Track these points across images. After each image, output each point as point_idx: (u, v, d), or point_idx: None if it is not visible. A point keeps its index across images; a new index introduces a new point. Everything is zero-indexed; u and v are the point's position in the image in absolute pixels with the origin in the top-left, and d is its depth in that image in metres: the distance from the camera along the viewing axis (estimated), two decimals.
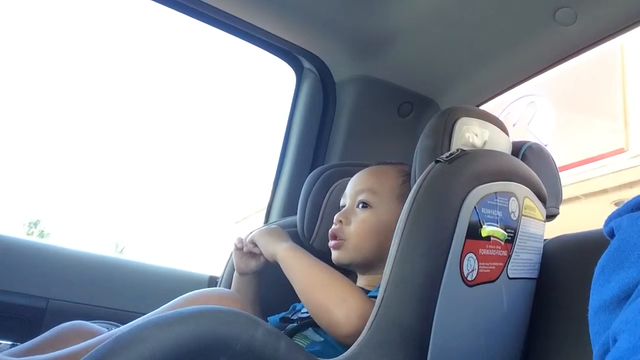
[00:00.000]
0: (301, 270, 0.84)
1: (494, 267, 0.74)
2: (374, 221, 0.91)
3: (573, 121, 3.97)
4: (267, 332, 0.57)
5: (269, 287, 1.03)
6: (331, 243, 0.93)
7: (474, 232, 0.71)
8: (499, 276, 0.74)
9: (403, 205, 0.81)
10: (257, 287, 1.03)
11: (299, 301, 0.95)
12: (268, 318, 0.95)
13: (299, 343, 0.80)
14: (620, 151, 3.71)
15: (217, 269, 1.26)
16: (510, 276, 0.76)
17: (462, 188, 0.72)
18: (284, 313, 0.94)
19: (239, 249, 1.01)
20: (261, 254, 0.96)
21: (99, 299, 1.20)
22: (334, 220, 0.95)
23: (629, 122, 3.67)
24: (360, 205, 0.93)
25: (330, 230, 0.94)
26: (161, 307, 0.77)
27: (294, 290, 0.93)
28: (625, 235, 0.33)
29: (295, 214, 1.13)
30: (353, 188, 0.97)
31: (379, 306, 0.66)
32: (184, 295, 0.77)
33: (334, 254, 0.93)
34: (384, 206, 0.92)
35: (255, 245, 0.97)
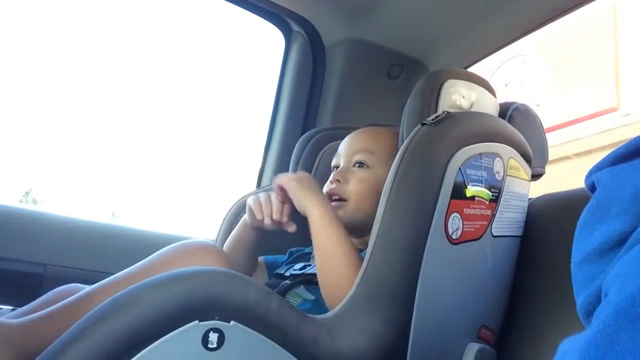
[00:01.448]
0: (328, 238, 0.81)
1: (478, 226, 0.76)
2: (373, 181, 0.91)
3: (565, 81, 3.97)
4: (259, 292, 0.59)
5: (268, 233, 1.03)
6: (333, 204, 0.93)
7: (458, 192, 0.73)
8: (483, 234, 0.77)
9: None
10: (257, 246, 0.98)
11: (294, 246, 0.98)
12: (263, 257, 0.98)
13: (291, 301, 0.83)
14: (612, 110, 3.72)
15: (211, 233, 1.27)
16: (495, 234, 0.79)
17: (447, 150, 0.73)
18: (280, 257, 0.96)
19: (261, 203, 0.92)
20: (290, 202, 0.89)
21: (96, 264, 1.22)
22: (330, 180, 0.95)
23: (620, 81, 3.67)
24: (357, 165, 0.94)
25: (327, 190, 0.94)
26: (142, 262, 0.76)
27: (279, 250, 0.99)
28: (606, 189, 0.34)
29: None
30: (348, 148, 0.97)
31: (367, 264, 0.69)
32: (165, 249, 0.77)
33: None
34: (382, 166, 0.92)
35: (284, 191, 0.89)
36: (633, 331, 0.23)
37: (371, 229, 0.91)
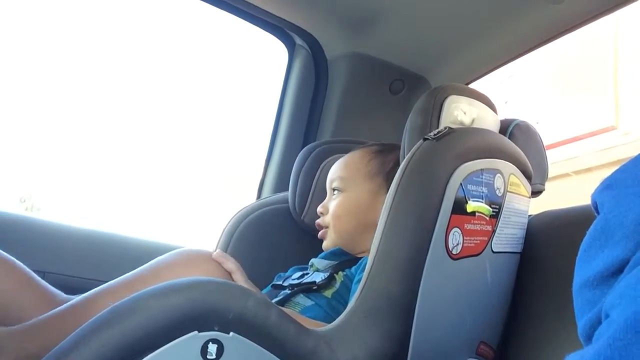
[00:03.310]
0: None
1: (478, 242, 0.76)
2: (345, 201, 0.97)
3: (564, 99, 3.99)
4: (258, 302, 0.59)
5: (254, 264, 1.06)
6: (319, 235, 1.01)
7: (459, 207, 0.73)
8: (483, 250, 0.77)
9: (372, 182, 0.95)
10: None
11: (284, 271, 1.00)
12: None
13: (291, 310, 0.83)
14: (611, 129, 3.74)
15: (210, 244, 1.27)
16: (494, 250, 0.79)
17: (449, 165, 0.74)
18: (272, 282, 0.97)
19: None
20: None
21: (95, 272, 1.22)
22: (317, 212, 1.02)
23: (620, 100, 3.69)
24: (334, 193, 1.00)
25: (315, 222, 1.02)
26: (143, 267, 0.77)
27: (278, 262, 1.01)
28: (610, 215, 0.34)
29: (287, 189, 1.15)
30: (327, 181, 1.04)
31: (367, 277, 0.69)
32: (165, 255, 0.78)
33: (323, 244, 1.00)
34: (352, 186, 0.98)
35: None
36: None
37: (360, 245, 0.95)
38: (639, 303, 0.25)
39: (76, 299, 0.73)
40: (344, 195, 0.98)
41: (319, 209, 1.01)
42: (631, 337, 0.24)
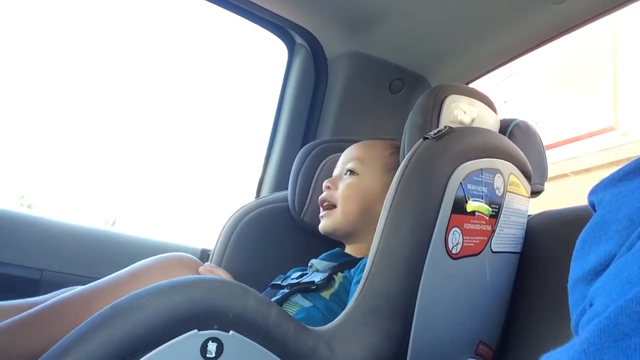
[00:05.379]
0: None
1: (478, 241, 0.76)
2: (359, 185, 0.96)
3: (563, 99, 4.00)
4: (259, 301, 0.59)
5: (253, 263, 1.06)
6: (322, 212, 0.98)
7: (459, 207, 0.73)
8: (483, 250, 0.77)
9: (388, 175, 0.91)
10: None
11: (282, 270, 1.00)
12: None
13: (289, 310, 0.83)
14: (610, 129, 3.75)
15: (209, 242, 1.27)
16: (494, 250, 0.79)
17: (449, 164, 0.74)
18: (271, 283, 0.97)
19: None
20: None
21: (91, 270, 1.21)
22: (323, 187, 1.00)
23: (619, 101, 3.70)
24: (348, 173, 0.98)
25: (319, 197, 0.99)
26: (120, 272, 0.78)
27: (277, 261, 1.01)
28: (606, 210, 0.34)
29: (287, 188, 1.14)
30: (343, 157, 1.03)
31: (366, 277, 0.69)
32: (144, 261, 0.79)
33: (322, 223, 0.98)
34: (369, 173, 0.97)
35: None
36: (616, 350, 0.23)
37: (359, 234, 0.95)
38: (613, 306, 0.25)
39: (54, 299, 0.73)
40: (357, 178, 0.97)
41: (326, 183, 0.99)
42: (604, 342, 0.24)
